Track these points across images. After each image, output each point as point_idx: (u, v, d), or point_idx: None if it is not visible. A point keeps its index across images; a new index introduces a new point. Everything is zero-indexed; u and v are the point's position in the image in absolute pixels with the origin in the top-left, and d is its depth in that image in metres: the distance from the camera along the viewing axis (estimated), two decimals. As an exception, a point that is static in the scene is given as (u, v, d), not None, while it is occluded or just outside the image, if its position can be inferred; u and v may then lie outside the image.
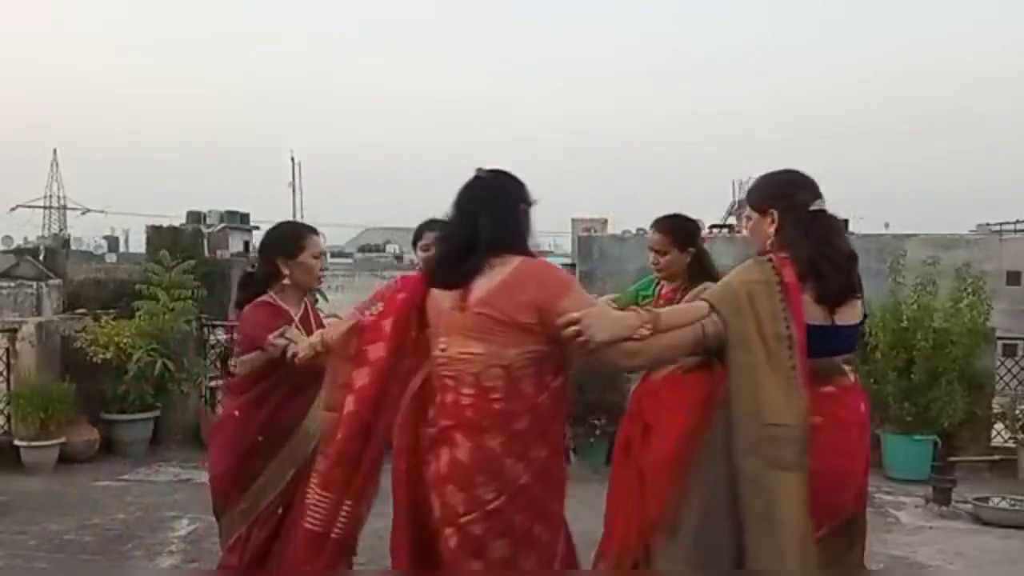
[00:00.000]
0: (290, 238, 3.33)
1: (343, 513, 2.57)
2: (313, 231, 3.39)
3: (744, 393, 2.22)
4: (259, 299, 3.28)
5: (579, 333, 2.18)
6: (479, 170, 2.49)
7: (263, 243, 3.48)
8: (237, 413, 3.25)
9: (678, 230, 3.44)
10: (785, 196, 2.40)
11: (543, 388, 2.35)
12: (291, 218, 36.84)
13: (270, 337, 3.08)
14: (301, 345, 2.91)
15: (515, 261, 2.35)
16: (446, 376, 2.37)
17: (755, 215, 2.45)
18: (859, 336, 2.58)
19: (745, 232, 3.55)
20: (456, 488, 2.33)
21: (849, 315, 2.36)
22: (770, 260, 2.31)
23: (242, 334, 3.36)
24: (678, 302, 3.20)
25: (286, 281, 3.27)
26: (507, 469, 2.32)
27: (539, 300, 2.30)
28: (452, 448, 2.33)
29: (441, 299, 2.40)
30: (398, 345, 2.51)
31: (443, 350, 2.37)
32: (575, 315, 2.20)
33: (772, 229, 2.39)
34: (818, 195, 2.41)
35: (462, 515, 2.32)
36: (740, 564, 2.22)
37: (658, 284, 3.54)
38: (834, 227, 2.42)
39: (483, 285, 2.33)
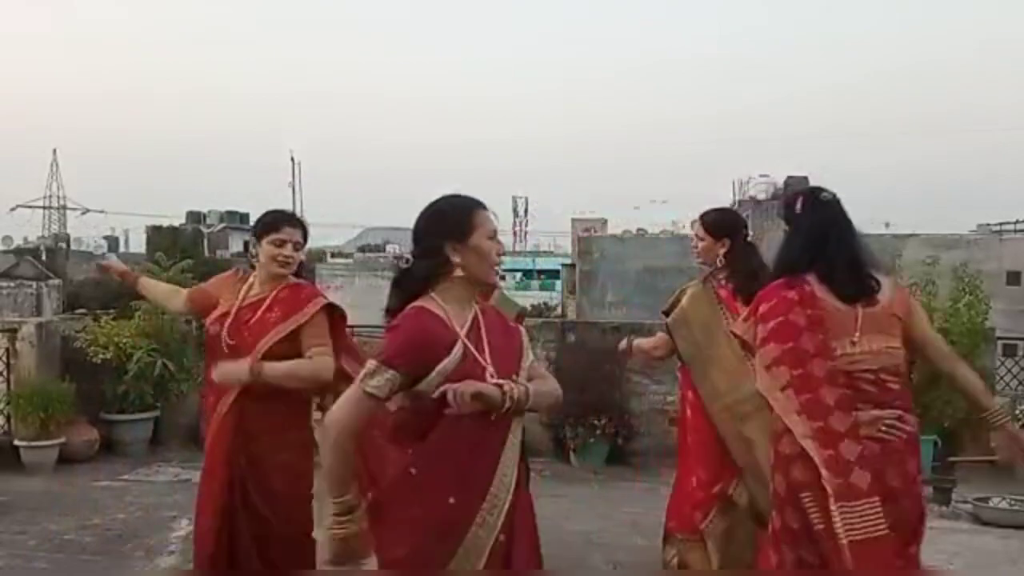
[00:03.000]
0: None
1: None
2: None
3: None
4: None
5: None
6: (820, 191, 2.84)
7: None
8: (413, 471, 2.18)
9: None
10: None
11: None
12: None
13: None
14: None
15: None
16: (864, 369, 2.68)
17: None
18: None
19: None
20: (915, 461, 2.72)
21: None
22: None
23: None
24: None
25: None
26: None
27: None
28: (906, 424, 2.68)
29: (834, 302, 2.73)
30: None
31: (853, 344, 2.69)
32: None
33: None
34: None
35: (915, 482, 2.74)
36: None
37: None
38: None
39: (885, 293, 2.75)
